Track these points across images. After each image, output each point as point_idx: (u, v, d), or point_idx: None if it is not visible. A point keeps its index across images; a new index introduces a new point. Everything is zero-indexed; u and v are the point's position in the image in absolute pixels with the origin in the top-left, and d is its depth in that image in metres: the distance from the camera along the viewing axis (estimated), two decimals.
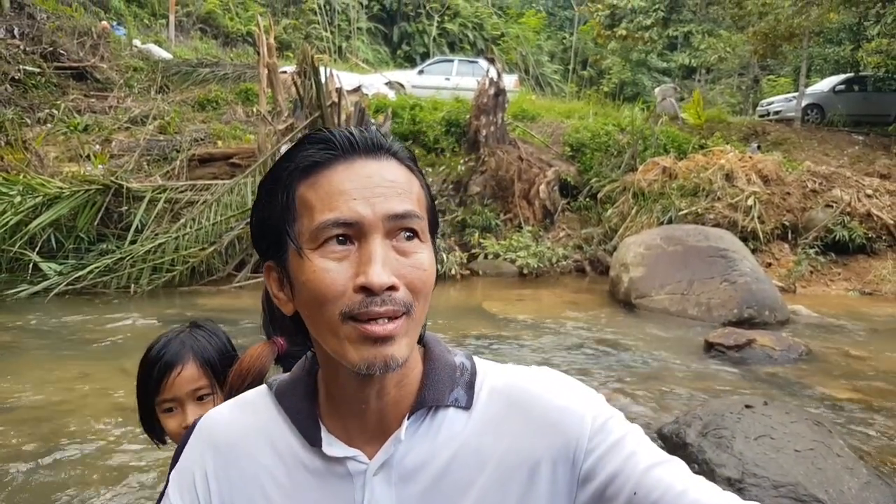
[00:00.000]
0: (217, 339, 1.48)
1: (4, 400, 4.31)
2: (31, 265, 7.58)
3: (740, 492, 3.09)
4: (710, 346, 5.97)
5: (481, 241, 9.87)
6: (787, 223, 10.04)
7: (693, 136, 12.39)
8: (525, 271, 9.40)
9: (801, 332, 6.78)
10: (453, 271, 9.14)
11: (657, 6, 17.85)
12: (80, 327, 6.21)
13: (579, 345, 6.18)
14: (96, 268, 7.60)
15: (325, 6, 22.67)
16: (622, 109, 13.77)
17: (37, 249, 7.75)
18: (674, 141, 11.99)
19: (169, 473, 1.29)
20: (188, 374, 1.42)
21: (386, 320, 0.69)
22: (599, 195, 11.02)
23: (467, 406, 0.79)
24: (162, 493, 1.34)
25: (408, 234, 0.72)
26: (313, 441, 0.78)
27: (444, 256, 9.23)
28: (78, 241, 8.09)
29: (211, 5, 20.42)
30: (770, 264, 9.72)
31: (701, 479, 0.72)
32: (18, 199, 7.89)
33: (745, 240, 9.35)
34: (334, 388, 0.78)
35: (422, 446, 0.77)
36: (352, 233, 0.70)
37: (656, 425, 4.11)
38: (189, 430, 1.29)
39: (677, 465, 0.73)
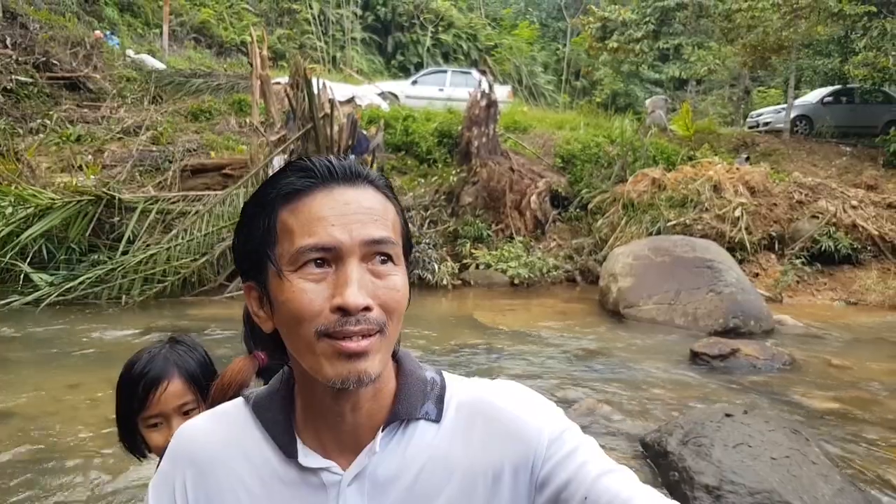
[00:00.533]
0: (197, 353, 1.52)
1: None
2: (22, 276, 7.60)
3: (718, 499, 3.17)
4: (695, 356, 6.04)
5: (473, 251, 9.94)
6: (773, 234, 10.15)
7: (682, 148, 12.52)
8: (516, 281, 9.47)
9: (786, 342, 6.86)
10: (445, 281, 9.20)
11: (648, 19, 18.03)
12: (71, 338, 6.23)
13: (566, 354, 6.25)
14: (88, 279, 7.62)
15: (319, 16, 22.81)
16: (613, 120, 13.89)
17: (28, 260, 7.78)
18: (663, 152, 12.11)
19: None
20: (174, 390, 1.45)
21: (360, 337, 0.74)
22: (590, 206, 11.12)
23: (437, 419, 0.83)
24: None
25: (382, 258, 0.77)
26: (289, 453, 0.82)
27: (436, 267, 9.29)
28: (69, 252, 8.11)
29: (205, 15, 20.52)
30: (757, 274, 9.83)
31: (648, 487, 0.77)
32: (10, 209, 7.94)
33: (732, 250, 9.46)
34: (310, 401, 0.82)
35: (393, 458, 0.81)
36: (329, 257, 0.75)
37: (640, 434, 4.18)
38: None
39: (626, 474, 0.79)
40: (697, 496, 3.22)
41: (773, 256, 10.06)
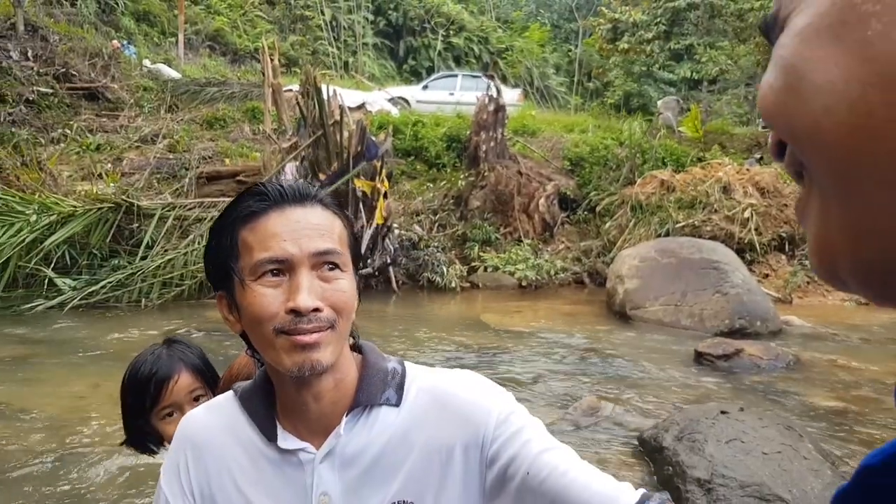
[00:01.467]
0: (195, 349, 1.69)
1: (22, 408, 4.55)
2: (46, 281, 7.83)
3: (709, 492, 3.29)
4: (699, 356, 6.14)
5: (481, 254, 10.08)
6: (783, 234, 10.18)
7: (691, 150, 12.57)
8: (524, 284, 9.59)
9: (792, 343, 6.94)
10: (453, 284, 9.34)
11: (658, 20, 18.07)
12: (92, 340, 6.45)
13: (572, 354, 6.37)
14: (109, 283, 7.85)
15: (331, 22, 23.04)
16: (624, 122, 13.95)
17: (52, 265, 8.01)
18: (672, 154, 12.16)
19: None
20: (184, 382, 1.61)
21: (313, 333, 0.86)
22: (598, 208, 11.21)
23: (397, 403, 0.96)
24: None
25: (330, 266, 0.90)
26: (270, 437, 0.95)
27: (445, 269, 9.43)
28: (91, 258, 8.34)
29: (219, 23, 20.78)
30: (767, 275, 9.88)
31: (585, 463, 0.90)
32: (34, 217, 8.16)
33: (741, 252, 9.52)
34: (282, 393, 0.95)
35: (359, 438, 0.94)
36: (283, 267, 0.88)
37: (638, 432, 4.30)
38: None
39: (565, 451, 0.91)
40: (689, 489, 3.35)
41: (783, 257, 10.10)
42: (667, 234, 9.90)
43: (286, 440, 0.94)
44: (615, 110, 19.26)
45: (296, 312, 0.86)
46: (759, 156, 13.00)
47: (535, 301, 9.13)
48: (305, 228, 0.90)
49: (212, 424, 1.00)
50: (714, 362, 6.02)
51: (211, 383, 1.65)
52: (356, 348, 1.01)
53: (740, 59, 19.30)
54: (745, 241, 9.93)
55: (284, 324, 0.87)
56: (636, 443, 4.17)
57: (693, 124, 13.03)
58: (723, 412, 3.94)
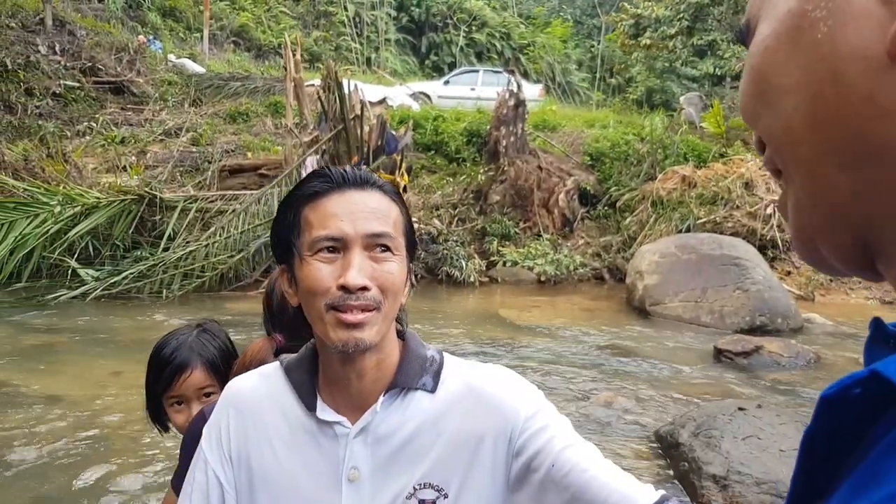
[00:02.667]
0: (219, 340, 1.69)
1: (46, 395, 4.65)
2: (70, 271, 7.97)
3: (724, 488, 3.27)
4: (718, 353, 6.09)
5: (500, 248, 10.06)
6: None
7: (714, 145, 12.43)
8: (543, 279, 9.56)
9: (814, 340, 6.85)
10: (472, 278, 9.33)
11: (681, 15, 17.84)
12: (114, 329, 6.56)
13: (590, 350, 6.35)
14: (131, 274, 7.95)
15: (354, 18, 23.12)
16: (646, 118, 13.84)
17: (75, 256, 8.16)
18: (694, 150, 12.04)
19: (179, 457, 1.52)
20: (196, 378, 1.62)
21: (359, 311, 0.91)
22: (618, 204, 11.14)
23: (433, 390, 0.99)
24: (175, 470, 1.59)
25: (382, 248, 0.94)
26: (310, 407, 0.99)
27: (464, 264, 9.43)
28: (114, 249, 8.49)
29: (244, 19, 20.95)
30: (789, 272, 9.75)
31: (608, 461, 0.94)
32: (59, 208, 8.31)
33: (764, 248, 9.41)
34: (327, 366, 1.00)
35: (393, 418, 0.98)
36: (338, 245, 0.93)
37: (655, 427, 4.28)
38: (196, 419, 1.53)
39: (590, 448, 0.95)
40: (705, 485, 3.33)
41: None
42: (688, 230, 9.81)
43: (324, 412, 0.98)
44: (637, 106, 19.09)
45: (345, 289, 0.90)
46: None
47: (554, 296, 9.11)
48: (362, 211, 0.94)
49: (256, 391, 1.05)
50: (733, 359, 5.96)
51: (225, 378, 1.66)
52: (400, 335, 1.04)
53: None
54: (768, 237, 9.81)
55: (334, 299, 0.91)
56: (652, 438, 4.15)
57: (715, 120, 12.87)
58: (740, 409, 3.91)
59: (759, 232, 9.83)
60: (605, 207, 11.29)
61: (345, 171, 0.98)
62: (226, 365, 1.66)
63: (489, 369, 1.04)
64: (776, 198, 9.67)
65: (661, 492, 0.90)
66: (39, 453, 3.72)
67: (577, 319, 7.66)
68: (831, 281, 9.49)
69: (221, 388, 1.61)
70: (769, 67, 0.38)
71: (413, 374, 0.99)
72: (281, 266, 1.02)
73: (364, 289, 0.91)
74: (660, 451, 4.00)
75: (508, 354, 6.05)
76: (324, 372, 1.01)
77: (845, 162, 0.36)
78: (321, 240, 0.93)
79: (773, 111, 0.38)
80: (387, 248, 0.94)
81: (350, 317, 0.90)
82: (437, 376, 1.01)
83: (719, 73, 20.83)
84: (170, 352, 1.63)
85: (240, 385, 1.06)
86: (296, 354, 1.07)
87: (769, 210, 10.06)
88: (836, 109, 0.35)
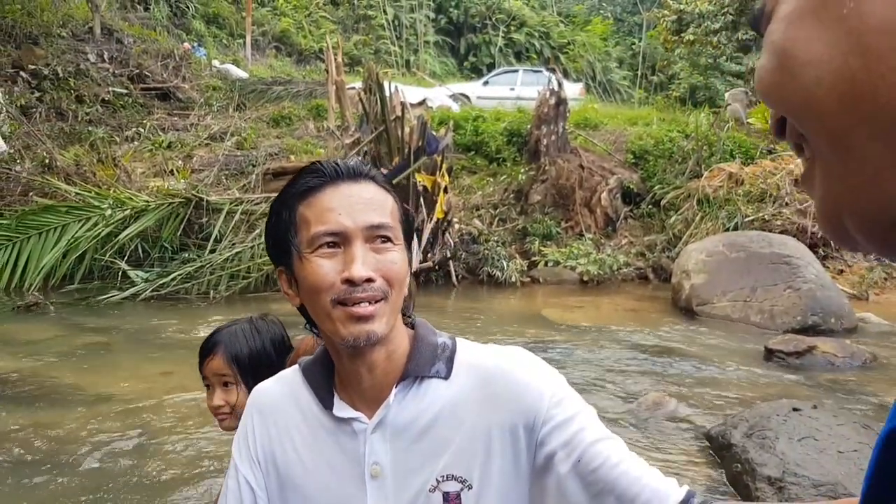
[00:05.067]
0: (259, 336, 1.73)
1: (97, 394, 4.76)
2: (120, 273, 8.18)
3: (780, 490, 3.17)
4: (769, 353, 5.92)
5: (542, 248, 9.97)
6: None
7: (761, 141, 12.13)
8: (586, 279, 9.44)
9: (869, 340, 6.61)
10: (513, 279, 9.26)
11: (726, 10, 17.47)
12: (164, 330, 6.69)
13: (636, 350, 6.24)
14: (179, 275, 8.11)
15: (393, 21, 23.25)
16: (689, 115, 13.59)
17: (125, 258, 8.38)
18: (740, 146, 11.77)
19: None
20: (215, 364, 1.70)
21: (367, 304, 0.90)
22: (663, 202, 10.94)
23: (447, 376, 0.97)
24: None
25: (382, 239, 0.93)
26: (327, 405, 0.99)
27: (505, 264, 9.37)
28: (162, 251, 8.68)
29: (285, 24, 21.26)
30: (842, 271, 9.44)
31: (635, 456, 0.91)
32: (109, 212, 8.53)
33: (814, 246, 9.13)
34: (339, 363, 0.99)
35: (409, 409, 0.96)
36: (339, 240, 0.92)
37: (705, 428, 4.18)
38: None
39: (618, 442, 0.91)
40: (759, 487, 3.23)
41: (858, 253, 9.64)
42: (735, 229, 9.58)
43: (341, 409, 0.98)
44: (680, 104, 18.75)
45: (350, 282, 0.89)
46: None
47: (598, 296, 8.99)
48: (359, 203, 0.93)
49: (277, 393, 1.05)
50: (785, 359, 5.79)
51: (248, 374, 1.68)
52: (409, 324, 1.03)
53: None
54: (819, 235, 9.51)
55: (340, 294, 0.90)
56: (703, 439, 4.05)
57: (763, 116, 12.55)
58: (795, 409, 3.79)
59: (810, 230, 9.54)
60: (649, 206, 11.10)
61: (336, 164, 0.96)
62: (253, 363, 1.70)
63: (506, 352, 1.00)
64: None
65: (686, 487, 0.87)
66: (91, 452, 3.80)
67: (622, 320, 7.55)
68: (886, 280, 9.16)
69: (246, 382, 1.67)
70: (791, 43, 0.39)
71: (424, 362, 0.97)
72: (279, 268, 1.00)
73: (369, 280, 0.90)
74: (711, 452, 3.90)
75: (553, 354, 5.99)
76: (337, 369, 1.01)
77: (876, 133, 0.36)
78: (321, 235, 0.91)
79: (795, 85, 0.39)
80: (387, 239, 0.93)
81: (359, 309, 0.89)
82: (450, 362, 0.98)
83: None
84: (209, 335, 1.74)
85: (261, 389, 1.08)
86: (312, 356, 1.07)
87: None
88: (864, 82, 0.35)
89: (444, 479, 0.94)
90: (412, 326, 1.03)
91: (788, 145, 0.44)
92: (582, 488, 0.88)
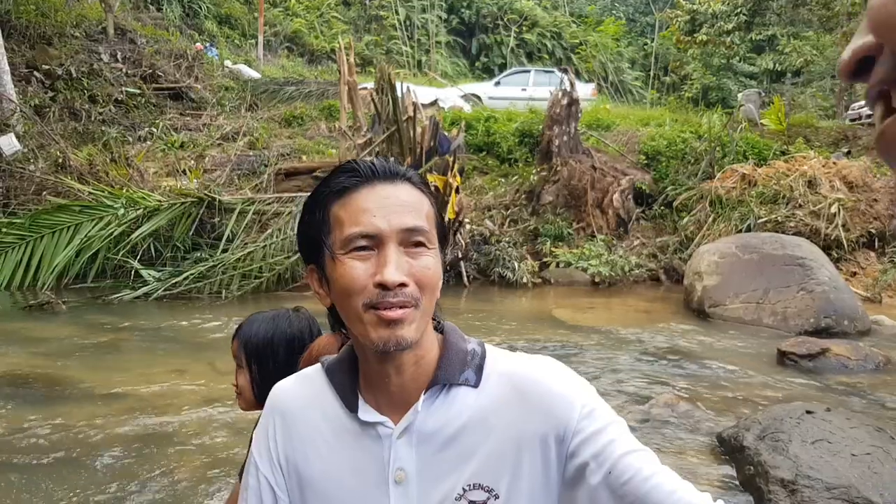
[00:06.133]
0: (267, 331, 1.76)
1: (109, 392, 4.78)
2: (133, 272, 8.24)
3: (793, 493, 3.15)
4: (782, 356, 5.88)
5: (553, 249, 9.95)
6: (873, 231, 9.64)
7: (774, 143, 12.05)
8: (597, 280, 9.41)
9: (883, 343, 6.55)
10: (525, 279, 9.25)
11: (739, 10, 17.38)
12: (176, 329, 6.73)
13: (648, 352, 6.22)
14: (191, 274, 8.15)
15: (405, 22, 23.28)
16: (702, 116, 13.51)
17: (138, 257, 8.42)
18: (753, 147, 11.70)
19: (250, 442, 1.56)
20: (233, 345, 1.77)
21: (398, 309, 0.88)
22: (675, 203, 10.90)
23: (476, 385, 0.95)
24: (243, 465, 1.63)
25: (416, 243, 0.90)
26: (352, 408, 0.96)
27: (516, 265, 9.36)
28: (175, 250, 8.72)
29: (297, 25, 21.33)
30: (855, 273, 9.37)
31: (667, 468, 0.87)
32: (122, 211, 8.59)
33: (828, 248, 9.07)
34: (366, 366, 0.97)
35: (437, 416, 0.94)
36: (372, 242, 0.89)
37: (718, 430, 4.16)
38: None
39: (649, 455, 0.88)
40: (772, 490, 3.21)
41: (872, 255, 9.57)
42: (748, 230, 9.53)
43: (366, 412, 0.96)
44: (693, 104, 18.68)
45: (383, 286, 0.87)
46: (846, 149, 12.35)
47: (609, 298, 8.96)
48: (395, 205, 0.91)
49: (299, 394, 1.03)
50: (798, 362, 5.75)
51: (253, 361, 1.74)
52: (438, 329, 1.01)
53: (826, 50, 18.41)
54: (832, 237, 9.45)
55: (372, 297, 0.88)
56: (715, 442, 4.03)
57: (776, 116, 12.48)
58: (808, 412, 3.76)
59: (823, 232, 9.48)
60: (662, 207, 11.06)
61: (373, 163, 0.93)
62: (262, 353, 1.75)
63: (535, 361, 0.98)
64: (840, 196, 9.27)
65: (721, 502, 0.84)
66: (102, 449, 3.82)
67: (634, 321, 7.52)
68: None
69: (250, 368, 1.73)
70: None
71: (454, 370, 0.95)
72: (309, 266, 0.98)
73: (402, 285, 0.88)
74: (723, 454, 3.88)
75: (565, 356, 5.97)
76: (364, 372, 0.98)
77: None
78: (355, 237, 0.89)
79: None
80: (422, 243, 0.91)
81: (391, 314, 0.87)
82: (479, 370, 0.96)
83: (779, 69, 20.23)
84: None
85: (282, 388, 1.05)
86: (336, 356, 1.05)
87: (833, 209, 9.70)
88: None
89: (471, 487, 0.92)
90: (440, 331, 1.01)
91: (869, 90, 0.40)
92: (613, 501, 0.85)
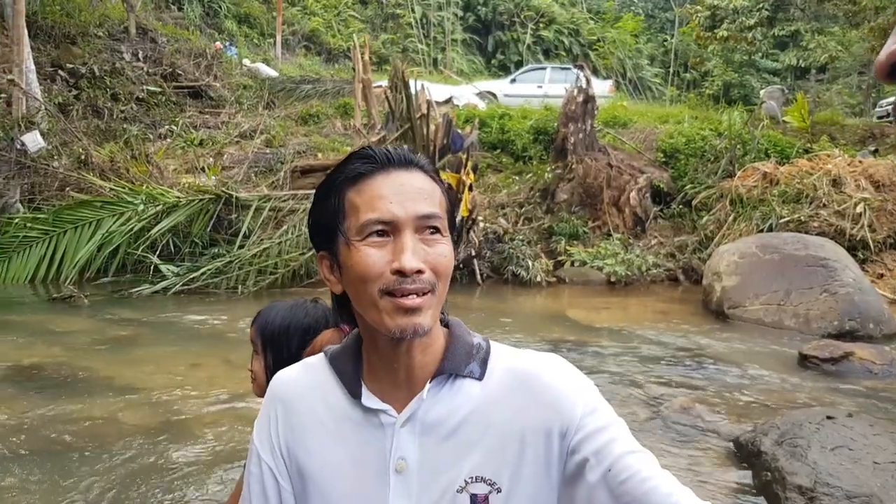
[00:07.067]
0: (284, 319, 1.79)
1: (128, 385, 4.82)
2: (152, 267, 8.34)
3: (811, 500, 3.07)
4: (804, 359, 5.76)
5: (568, 248, 9.85)
6: None
7: (797, 140, 11.85)
8: (613, 279, 9.30)
9: None
10: (539, 278, 9.15)
11: (761, 5, 17.14)
12: (193, 323, 6.78)
13: (663, 353, 6.13)
14: (208, 270, 8.23)
15: (421, 20, 23.27)
16: (722, 112, 13.33)
17: (157, 253, 8.53)
18: (776, 145, 11.51)
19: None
20: (251, 332, 1.81)
21: (415, 296, 0.88)
22: (694, 202, 10.75)
23: (480, 378, 0.96)
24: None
25: (432, 230, 0.91)
26: (355, 395, 0.97)
27: (530, 264, 9.29)
28: (193, 246, 8.80)
29: (315, 24, 21.43)
30: (882, 275, 9.16)
31: (666, 472, 0.87)
32: (142, 207, 8.70)
33: (853, 249, 8.88)
34: (373, 353, 0.97)
35: (441, 406, 0.94)
36: (389, 228, 0.89)
37: (734, 434, 4.08)
38: None
39: (649, 456, 0.89)
40: (789, 497, 3.14)
41: None
42: (770, 230, 9.37)
43: (370, 399, 0.96)
44: (713, 101, 18.44)
45: (400, 273, 0.88)
46: (873, 147, 12.12)
47: (625, 298, 8.87)
48: (410, 192, 0.91)
49: (300, 383, 1.03)
50: (820, 366, 5.63)
51: (268, 349, 1.78)
52: (443, 323, 1.01)
53: (852, 46, 18.10)
54: (857, 237, 9.26)
55: (389, 284, 0.88)
56: (731, 446, 3.96)
57: (799, 113, 12.28)
58: (829, 417, 3.68)
59: (848, 232, 9.28)
60: (680, 206, 10.92)
61: (388, 150, 0.94)
62: (276, 341, 1.78)
63: (540, 358, 0.98)
64: (866, 196, 9.09)
65: None
66: (119, 441, 3.85)
67: (651, 322, 7.43)
68: None
69: (265, 355, 1.76)
70: None
71: (460, 361, 0.96)
72: (321, 253, 0.98)
73: (419, 272, 0.88)
74: (739, 459, 3.80)
75: (578, 357, 5.91)
76: (369, 360, 0.98)
77: None
78: (371, 223, 0.89)
79: None
80: (437, 230, 0.92)
81: (408, 301, 0.88)
82: (484, 364, 0.97)
83: (803, 66, 19.92)
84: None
85: (283, 377, 1.05)
86: (339, 345, 1.05)
87: (859, 209, 9.51)
88: None
89: (473, 480, 0.92)
90: (445, 325, 1.01)
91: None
92: (610, 499, 0.86)
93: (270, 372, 1.71)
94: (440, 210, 0.93)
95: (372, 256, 0.89)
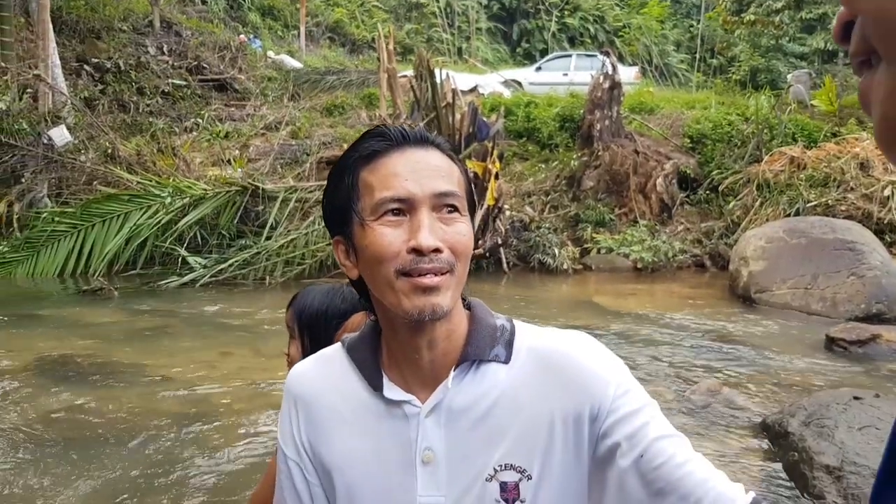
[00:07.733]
0: (322, 303, 1.78)
1: (159, 375, 4.93)
2: (180, 259, 8.45)
3: (838, 479, 3.07)
4: (830, 342, 5.73)
5: (594, 235, 9.83)
6: None
7: (825, 124, 11.65)
8: (640, 266, 9.27)
9: None
10: (565, 266, 9.16)
11: None
12: (221, 314, 6.89)
13: (691, 338, 6.11)
14: (236, 261, 8.33)
15: (445, 9, 23.22)
16: (749, 98, 13.14)
17: (185, 245, 8.63)
18: (803, 129, 11.33)
19: None
20: (287, 316, 1.80)
21: (433, 275, 0.84)
22: (721, 188, 10.64)
23: (506, 361, 0.92)
24: None
25: (449, 208, 0.88)
26: (376, 386, 0.92)
27: (557, 251, 9.29)
28: (220, 238, 8.91)
29: (338, 14, 21.48)
30: None
31: (699, 455, 0.84)
32: (169, 200, 8.81)
33: (881, 232, 8.75)
34: (393, 341, 0.93)
35: (467, 393, 0.90)
36: (404, 207, 0.86)
37: (762, 416, 4.08)
38: None
39: (682, 440, 0.85)
40: (817, 476, 3.14)
41: None
42: (797, 214, 9.26)
43: (391, 390, 0.92)
44: (740, 87, 18.16)
45: (417, 252, 0.84)
46: None
47: (652, 284, 8.83)
48: (426, 169, 0.88)
49: (318, 376, 1.00)
50: (847, 348, 5.59)
51: (305, 332, 1.76)
52: (465, 305, 0.98)
53: None
54: (885, 221, 9.11)
55: (405, 264, 0.85)
56: (759, 427, 3.96)
57: (827, 97, 12.06)
58: (856, 398, 3.67)
59: (876, 215, 9.14)
60: (707, 192, 10.81)
61: (403, 128, 0.91)
62: (311, 325, 1.76)
63: (568, 337, 0.94)
64: (895, 179, 8.93)
65: (752, 493, 0.80)
66: (149, 430, 3.93)
67: (678, 307, 7.40)
68: None
69: (302, 339, 1.75)
70: None
71: (484, 345, 0.92)
72: (336, 238, 0.94)
73: (437, 251, 0.84)
74: (767, 440, 3.80)
75: (605, 342, 5.90)
76: (389, 348, 0.95)
77: None
78: (386, 202, 0.86)
79: None
80: (454, 209, 0.88)
81: (425, 280, 0.84)
82: (509, 346, 0.93)
83: (830, 49, 19.51)
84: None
85: (299, 371, 1.02)
86: (357, 334, 1.01)
87: (887, 192, 9.35)
88: None
89: (502, 468, 0.88)
90: (468, 307, 0.97)
91: (851, 59, 0.41)
92: (642, 485, 0.82)
93: (308, 356, 1.77)
94: (458, 188, 0.89)
95: (387, 236, 0.86)
